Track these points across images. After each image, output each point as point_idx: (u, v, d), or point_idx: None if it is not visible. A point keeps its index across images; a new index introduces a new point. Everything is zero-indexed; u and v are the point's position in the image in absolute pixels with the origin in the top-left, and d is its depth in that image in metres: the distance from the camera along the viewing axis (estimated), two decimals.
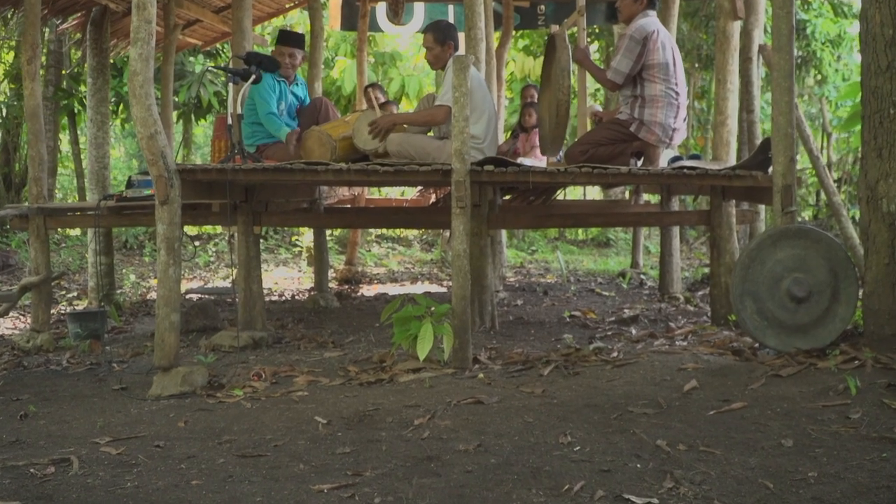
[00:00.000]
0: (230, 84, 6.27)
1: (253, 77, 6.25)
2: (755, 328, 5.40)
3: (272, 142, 6.96)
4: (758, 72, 7.70)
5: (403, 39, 20.26)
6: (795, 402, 4.50)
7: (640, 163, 6.52)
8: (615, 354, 5.74)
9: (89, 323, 7.11)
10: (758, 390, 4.73)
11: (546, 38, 6.97)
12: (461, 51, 6.57)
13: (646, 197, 11.19)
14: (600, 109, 6.95)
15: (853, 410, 4.27)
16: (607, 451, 3.87)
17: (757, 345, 5.63)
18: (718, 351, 5.67)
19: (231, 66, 6.68)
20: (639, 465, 3.69)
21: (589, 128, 6.81)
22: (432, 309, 5.62)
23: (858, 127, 8.10)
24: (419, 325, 5.50)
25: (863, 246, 5.46)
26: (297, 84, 7.35)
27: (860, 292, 5.47)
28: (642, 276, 10.74)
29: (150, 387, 5.38)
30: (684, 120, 6.36)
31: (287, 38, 7.38)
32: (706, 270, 11.22)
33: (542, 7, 11.85)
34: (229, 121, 6.21)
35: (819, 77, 14.88)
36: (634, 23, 6.25)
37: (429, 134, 6.57)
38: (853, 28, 17.01)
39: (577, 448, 3.93)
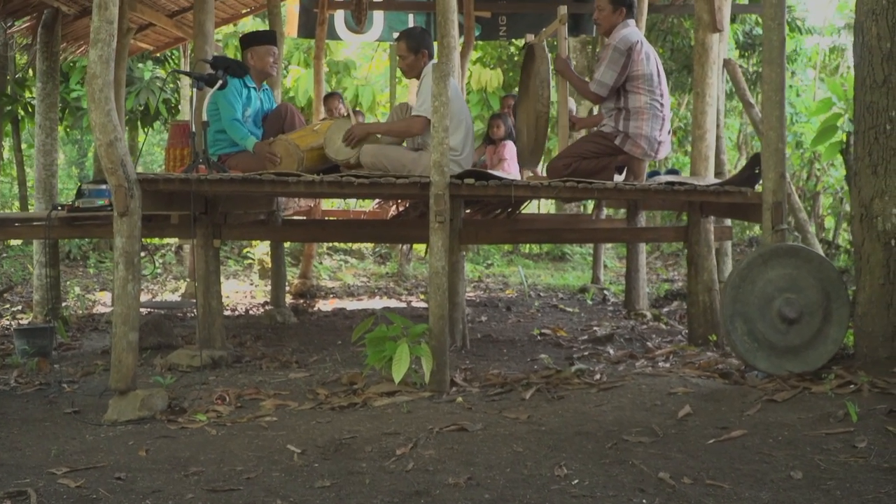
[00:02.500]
0: (194, 90, 5.94)
1: (220, 83, 5.94)
2: (746, 350, 5.21)
3: (235, 151, 6.62)
4: (721, 86, 7.56)
5: (353, 48, 20.00)
6: (796, 430, 4.31)
7: (623, 176, 6.32)
8: (598, 377, 5.51)
9: (37, 339, 6.71)
10: (755, 416, 4.54)
11: (523, 47, 6.73)
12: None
13: (607, 211, 11.02)
14: (575, 112, 6.71)
15: (858, 439, 4.10)
16: (608, 485, 3.64)
17: (744, 367, 5.44)
18: (705, 373, 5.47)
19: (196, 70, 6.33)
20: (644, 502, 3.46)
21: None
22: (407, 328, 5.34)
23: (831, 142, 8.03)
24: (394, 346, 5.21)
25: (854, 265, 5.30)
26: (263, 90, 7.03)
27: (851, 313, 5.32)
28: (605, 292, 10.56)
29: (105, 410, 5.02)
30: (669, 133, 6.17)
31: (270, 37, 7.05)
32: (668, 286, 11.11)
33: (503, 18, 11.69)
34: (192, 128, 5.87)
35: None
36: (616, 33, 6.03)
37: (402, 145, 6.29)
38: (807, 44, 17.14)
39: (576, 481, 3.69)
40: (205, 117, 6.00)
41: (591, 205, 11.42)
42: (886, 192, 4.97)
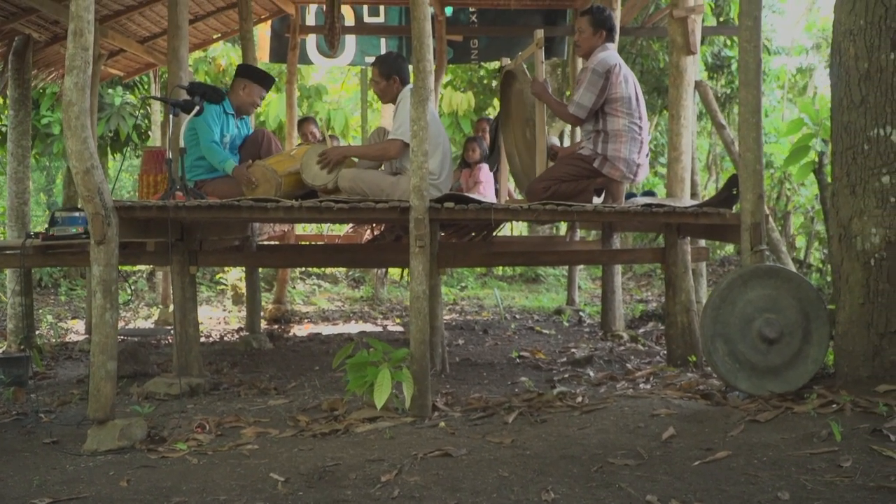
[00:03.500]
0: (170, 116, 5.90)
1: (196, 109, 5.90)
2: (727, 371, 5.22)
3: (212, 177, 6.57)
4: (693, 108, 7.61)
5: (322, 73, 19.99)
6: (781, 451, 4.31)
7: (601, 199, 6.33)
8: (580, 399, 5.48)
9: (13, 369, 6.62)
10: (738, 437, 4.54)
11: (499, 69, 6.74)
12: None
13: (581, 233, 11.04)
14: (557, 143, 6.73)
15: (843, 458, 4.10)
16: None
17: (725, 387, 5.45)
18: (687, 395, 5.47)
19: (171, 96, 6.28)
20: None
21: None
22: (388, 353, 5.31)
23: (803, 162, 8.08)
24: (376, 372, 5.17)
25: (833, 285, 5.33)
26: (241, 119, 6.99)
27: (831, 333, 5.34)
28: (580, 314, 10.56)
29: (84, 440, 4.95)
30: (647, 155, 6.19)
31: (269, 82, 7.06)
32: (643, 307, 11.13)
33: (476, 41, 11.72)
34: (169, 154, 5.82)
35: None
36: (595, 56, 6.05)
37: (380, 169, 6.28)
38: (774, 64, 17.30)
39: None
40: (182, 144, 5.96)
41: (564, 226, 11.44)
42: (865, 211, 5.00)
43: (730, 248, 15.93)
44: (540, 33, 6.23)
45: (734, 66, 14.22)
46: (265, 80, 7.04)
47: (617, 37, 6.29)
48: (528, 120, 6.25)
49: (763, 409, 4.93)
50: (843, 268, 5.13)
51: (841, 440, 4.31)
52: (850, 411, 4.72)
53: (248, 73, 7.01)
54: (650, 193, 7.04)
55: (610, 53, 6.06)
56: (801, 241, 15.19)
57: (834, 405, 4.86)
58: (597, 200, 6.30)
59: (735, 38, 13.95)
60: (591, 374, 6.59)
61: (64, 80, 4.93)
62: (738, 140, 5.44)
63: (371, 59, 11.86)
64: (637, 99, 6.05)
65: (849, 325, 5.10)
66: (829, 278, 9.21)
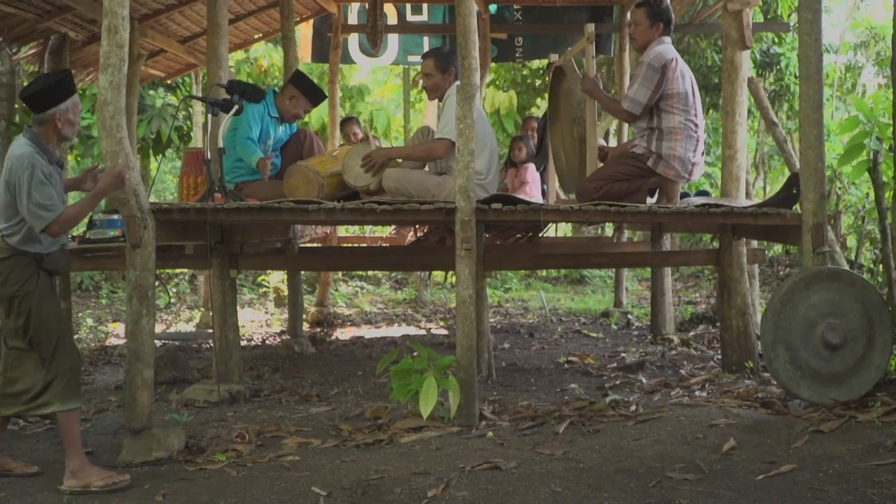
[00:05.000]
0: (208, 116, 5.76)
1: (235, 108, 5.74)
2: (788, 379, 4.98)
3: (252, 179, 6.41)
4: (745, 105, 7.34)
5: (364, 73, 19.87)
6: (846, 462, 4.11)
7: (655, 199, 6.08)
8: (634, 408, 5.26)
9: None
10: (802, 449, 4.33)
11: (548, 66, 6.52)
12: None
13: (627, 233, 10.77)
14: (605, 143, 6.48)
15: None
16: None
17: (785, 395, 5.21)
18: (745, 403, 5.24)
19: (210, 95, 6.12)
20: None
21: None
22: (434, 360, 5.12)
23: (858, 161, 7.77)
24: (421, 379, 4.99)
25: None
26: (285, 124, 6.82)
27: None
28: (628, 316, 10.31)
29: (120, 450, 4.81)
30: (703, 153, 5.93)
31: (321, 98, 6.95)
32: (692, 309, 10.85)
33: (520, 39, 11.50)
34: (208, 155, 5.67)
35: (790, 112, 14.71)
36: (651, 50, 5.80)
37: (424, 169, 6.08)
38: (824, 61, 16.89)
39: None
40: (221, 144, 5.80)
41: (610, 227, 11.19)
42: None
43: (778, 248, 15.58)
44: (591, 28, 6.01)
45: (783, 63, 13.89)
46: (315, 96, 6.86)
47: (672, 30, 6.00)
48: (575, 118, 6.03)
49: (826, 419, 4.74)
50: None
51: None
52: None
53: (301, 84, 6.78)
54: (704, 193, 6.79)
55: (666, 47, 5.81)
56: (851, 241, 14.83)
57: None
58: (650, 200, 6.06)
59: (784, 35, 13.65)
60: (644, 380, 6.36)
61: (98, 79, 4.78)
62: (800, 137, 5.19)
63: (414, 59, 11.74)
64: (693, 95, 5.79)
65: None
66: (880, 279, 8.89)
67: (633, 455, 4.37)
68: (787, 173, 16.73)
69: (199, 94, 11.60)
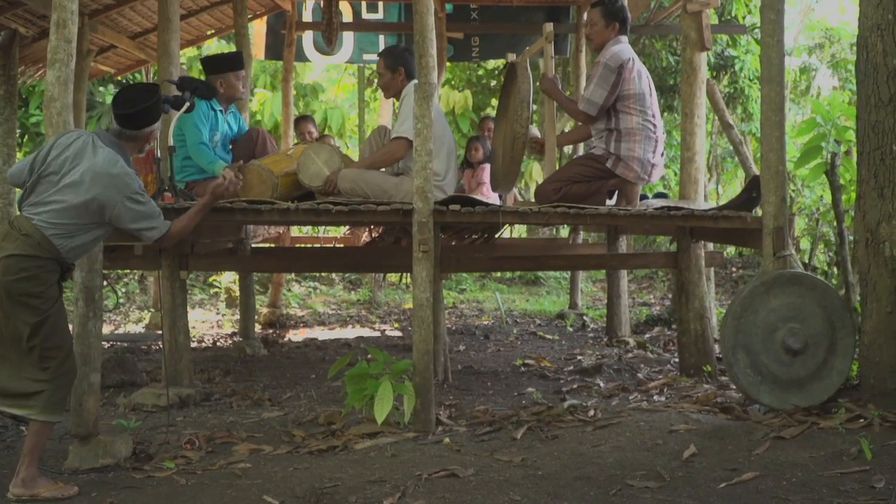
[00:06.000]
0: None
1: (186, 105, 5.58)
2: (749, 384, 4.95)
3: (203, 178, 6.23)
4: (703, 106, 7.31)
5: (318, 71, 19.67)
6: (810, 470, 4.07)
7: (614, 200, 6.02)
8: (592, 413, 5.19)
9: None
10: (764, 456, 4.28)
11: (504, 65, 6.42)
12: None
13: (583, 235, 10.72)
14: (538, 134, 6.33)
15: (875, 478, 3.90)
16: None
17: (745, 401, 5.17)
18: (705, 408, 5.18)
19: (161, 92, 5.94)
20: None
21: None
22: (390, 364, 5.01)
23: (814, 163, 7.78)
24: (376, 384, 4.88)
25: (861, 293, 5.04)
26: (230, 112, 6.65)
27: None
28: (584, 318, 10.26)
29: (66, 456, 4.66)
30: (662, 155, 5.88)
31: (237, 62, 6.63)
32: (647, 311, 10.84)
33: (476, 39, 11.42)
34: (157, 154, 5.51)
35: (744, 114, 14.78)
36: (607, 50, 5.74)
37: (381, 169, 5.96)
38: None
39: None
40: (171, 142, 5.64)
41: (566, 228, 11.13)
42: (894, 215, 4.73)
43: (731, 250, 15.65)
44: (549, 27, 5.94)
45: (738, 66, 13.95)
46: (234, 63, 6.60)
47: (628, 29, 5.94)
48: (515, 117, 5.93)
49: (788, 425, 4.70)
50: (871, 274, 4.87)
51: (871, 458, 4.11)
52: (878, 426, 4.54)
53: (214, 67, 6.55)
54: (662, 195, 6.75)
55: (623, 47, 5.75)
56: (805, 244, 14.94)
57: (861, 420, 4.66)
58: (609, 202, 6.00)
59: (738, 38, 13.71)
60: (602, 384, 6.30)
61: (45, 74, 4.62)
62: (761, 139, 5.16)
63: (369, 57, 11.63)
64: (651, 95, 5.75)
65: (875, 334, 4.85)
66: (835, 282, 8.94)
67: (593, 462, 4.29)
68: (741, 175, 16.80)
69: None
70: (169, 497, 4.10)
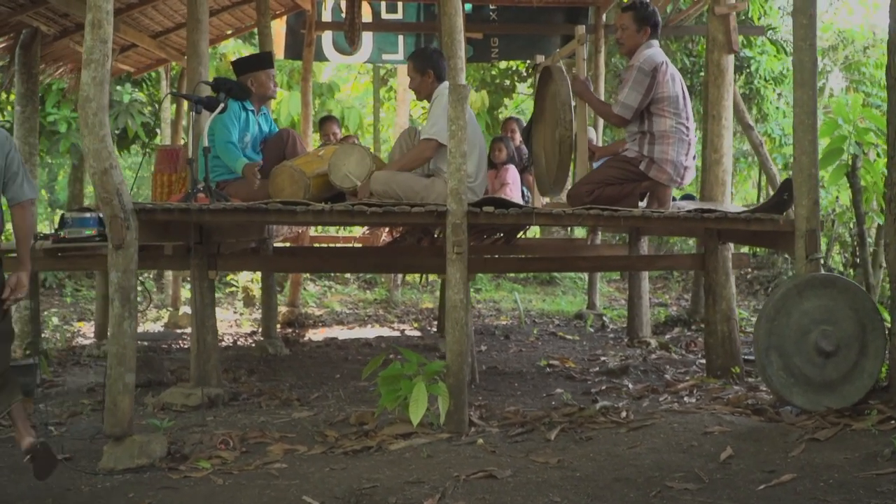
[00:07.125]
0: (192, 114, 5.60)
1: (221, 106, 5.60)
2: (782, 386, 4.95)
3: (233, 178, 6.25)
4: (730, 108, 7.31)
5: (329, 71, 19.68)
6: (846, 472, 4.07)
7: (645, 202, 6.02)
8: (625, 415, 5.19)
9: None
10: (800, 457, 4.29)
11: (532, 68, 6.43)
12: None
13: (601, 235, 10.72)
14: (594, 138, 6.36)
15: None
16: None
17: (776, 402, 5.17)
18: (737, 410, 5.18)
19: (195, 93, 5.95)
20: None
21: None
22: (423, 366, 5.02)
23: (836, 164, 7.76)
24: (410, 386, 4.88)
25: (892, 296, 5.04)
26: (262, 114, 6.67)
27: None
28: (603, 319, 10.26)
29: (98, 455, 4.67)
30: (694, 157, 5.88)
31: (268, 60, 6.67)
32: (667, 311, 10.83)
33: (496, 39, 11.43)
34: (190, 154, 5.52)
35: (759, 115, 14.76)
36: (640, 54, 5.74)
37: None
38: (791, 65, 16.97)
39: None
40: (206, 142, 5.65)
41: (582, 229, 11.13)
42: None
43: (744, 251, 15.63)
44: (582, 29, 5.95)
45: (753, 67, 13.93)
46: (264, 61, 6.69)
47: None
48: (558, 120, 5.94)
49: (821, 427, 4.71)
50: None
51: None
52: None
53: (246, 67, 6.60)
54: (689, 197, 6.74)
55: (655, 51, 5.75)
56: (822, 245, 14.91)
57: (893, 421, 4.67)
58: (641, 205, 6.00)
59: (753, 39, 13.69)
60: (630, 385, 6.29)
61: (81, 74, 4.62)
62: (794, 142, 5.15)
63: (388, 57, 11.65)
64: (684, 98, 5.75)
65: None
66: None
67: (630, 464, 4.30)
68: (754, 176, 16.72)
69: (168, 90, 11.45)
70: (207, 497, 4.11)
